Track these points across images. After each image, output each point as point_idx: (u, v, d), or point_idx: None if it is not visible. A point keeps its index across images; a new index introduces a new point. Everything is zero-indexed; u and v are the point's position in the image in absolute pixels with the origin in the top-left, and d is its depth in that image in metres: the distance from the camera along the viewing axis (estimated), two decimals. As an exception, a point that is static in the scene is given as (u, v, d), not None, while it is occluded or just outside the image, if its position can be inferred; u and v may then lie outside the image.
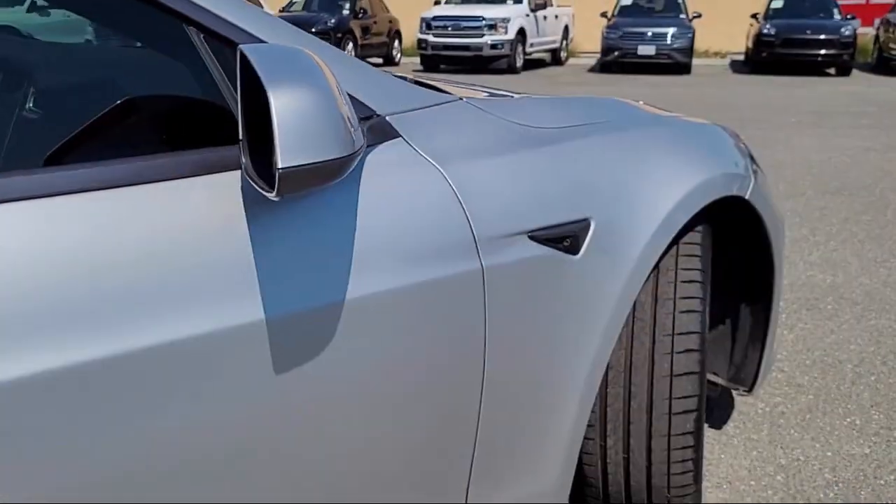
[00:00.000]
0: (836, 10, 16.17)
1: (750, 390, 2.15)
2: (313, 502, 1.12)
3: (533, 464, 1.47)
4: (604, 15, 16.48)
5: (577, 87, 12.56)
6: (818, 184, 5.58)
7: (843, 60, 15.05)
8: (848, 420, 2.39)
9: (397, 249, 1.14)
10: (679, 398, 1.60)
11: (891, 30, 15.91)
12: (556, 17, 17.22)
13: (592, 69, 16.06)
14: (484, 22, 14.78)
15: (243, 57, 0.91)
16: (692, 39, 15.41)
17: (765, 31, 15.36)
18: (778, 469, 2.14)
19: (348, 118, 0.94)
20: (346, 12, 15.56)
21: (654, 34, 15.25)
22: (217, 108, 1.05)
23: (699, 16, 16.13)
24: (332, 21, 15.00)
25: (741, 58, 17.86)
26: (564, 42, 17.81)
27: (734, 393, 2.46)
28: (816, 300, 3.34)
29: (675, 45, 15.13)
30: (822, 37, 14.98)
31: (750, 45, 16.31)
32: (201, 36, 1.02)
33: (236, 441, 1.01)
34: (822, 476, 2.11)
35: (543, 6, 16.38)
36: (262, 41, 1.04)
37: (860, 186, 5.51)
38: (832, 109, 9.85)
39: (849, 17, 15.87)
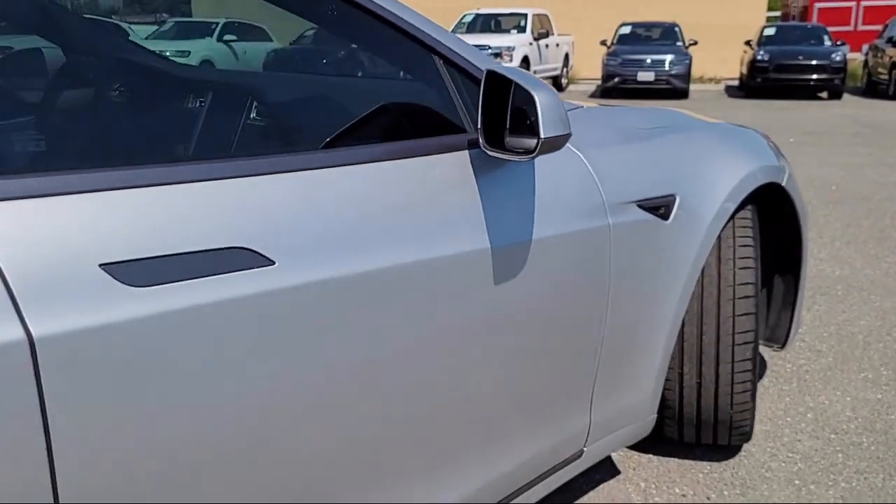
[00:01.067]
0: (826, 37, 16.84)
1: (783, 347, 2.64)
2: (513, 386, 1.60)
3: (636, 379, 1.96)
4: (603, 43, 17.14)
5: (582, 112, 13.11)
6: (820, 195, 6.11)
7: (834, 84, 15.67)
8: (862, 375, 2.88)
9: (560, 206, 1.64)
10: (740, 333, 2.09)
11: (879, 55, 16.60)
12: (557, 45, 17.88)
13: (593, 95, 16.66)
14: (490, 50, 15.37)
15: (491, 74, 1.41)
16: (689, 66, 16.05)
17: (759, 57, 16.00)
18: (807, 409, 2.63)
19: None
20: (357, 43, 16.18)
21: (652, 61, 15.88)
22: (445, 109, 1.55)
23: (695, 43, 16.79)
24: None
25: (735, 83, 18.50)
26: (565, 69, 18.46)
27: (768, 351, 2.95)
28: (828, 288, 3.85)
29: (673, 71, 15.76)
30: (814, 62, 15.61)
31: (744, 70, 16.93)
32: (443, 64, 1.53)
33: (467, 325, 1.49)
34: (843, 414, 2.60)
35: (546, 35, 17.03)
36: (478, 67, 1.54)
37: (859, 197, 6.04)
38: (827, 130, 10.43)
39: (839, 43, 16.55)
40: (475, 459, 1.58)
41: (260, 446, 1.19)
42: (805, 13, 27.85)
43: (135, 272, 1.03)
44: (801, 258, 2.52)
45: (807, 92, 15.75)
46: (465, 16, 17.62)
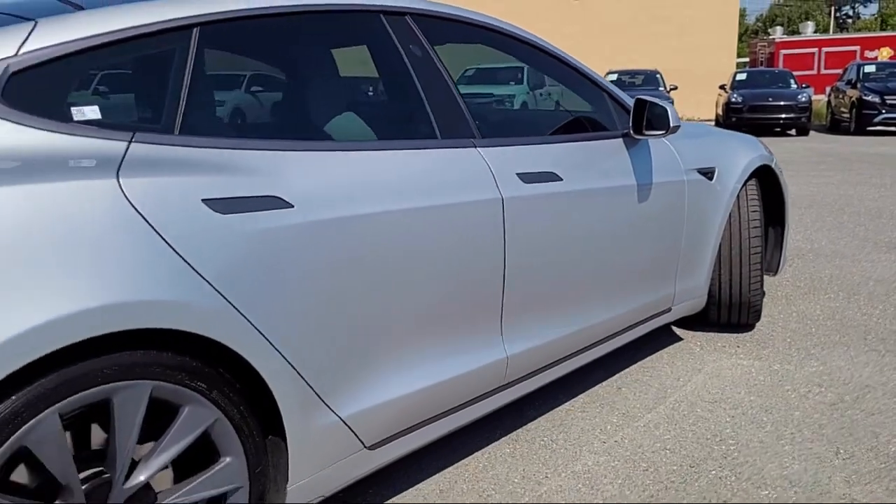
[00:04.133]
0: (792, 80, 18.75)
1: (775, 274, 4.18)
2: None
3: (697, 270, 3.49)
4: (593, 90, 18.93)
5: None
6: (795, 203, 7.72)
7: (801, 123, 17.53)
8: (826, 296, 4.44)
9: (662, 167, 3.18)
10: (753, 248, 3.63)
11: (840, 96, 18.50)
12: (550, 94, 19.69)
13: (586, 137, 18.37)
14: (493, 98, 17.14)
15: (639, 100, 2.96)
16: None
17: (733, 99, 17.86)
18: (792, 311, 4.18)
19: (675, 114, 2.99)
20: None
21: (638, 105, 17.65)
22: (607, 119, 3.09)
23: (675, 87, 18.63)
24: (361, 102, 17.31)
25: (711, 123, 20.34)
26: (558, 114, 20.25)
27: (765, 280, 4.50)
28: (803, 255, 5.43)
29: (657, 114, 17.51)
30: (783, 103, 17.47)
31: (720, 111, 18.77)
32: (607, 96, 3.08)
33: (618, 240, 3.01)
34: (815, 312, 4.14)
35: (541, 85, 18.82)
36: (623, 98, 3.09)
37: (824, 204, 7.68)
38: (796, 160, 12.15)
39: (804, 86, 18.44)
40: (623, 299, 3.09)
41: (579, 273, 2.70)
42: (772, 59, 30.03)
43: (525, 177, 2.54)
44: (785, 215, 4.09)
45: (777, 130, 17.56)
46: (467, 70, 19.38)
